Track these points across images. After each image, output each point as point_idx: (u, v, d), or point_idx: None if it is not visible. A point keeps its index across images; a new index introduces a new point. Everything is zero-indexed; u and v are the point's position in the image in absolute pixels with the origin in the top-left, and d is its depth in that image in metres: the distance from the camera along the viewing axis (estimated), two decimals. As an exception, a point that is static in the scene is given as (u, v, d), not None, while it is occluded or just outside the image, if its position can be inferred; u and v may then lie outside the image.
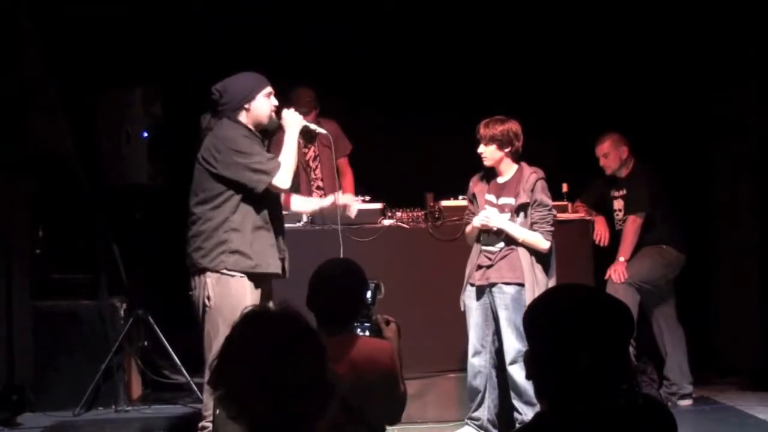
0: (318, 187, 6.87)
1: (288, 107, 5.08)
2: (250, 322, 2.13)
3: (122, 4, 7.00)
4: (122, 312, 6.64)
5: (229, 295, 4.74)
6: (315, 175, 6.88)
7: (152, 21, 7.11)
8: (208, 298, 4.78)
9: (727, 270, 7.21)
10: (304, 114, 6.61)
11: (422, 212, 6.21)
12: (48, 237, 6.88)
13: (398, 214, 6.20)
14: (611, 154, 6.40)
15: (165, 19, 7.17)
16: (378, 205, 6.23)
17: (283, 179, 4.85)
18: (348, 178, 6.95)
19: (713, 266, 7.29)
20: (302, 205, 5.69)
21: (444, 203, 6.11)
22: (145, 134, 6.46)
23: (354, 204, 5.91)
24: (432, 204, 6.18)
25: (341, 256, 5.23)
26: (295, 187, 5.54)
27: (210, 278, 4.80)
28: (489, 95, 7.04)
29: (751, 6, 6.90)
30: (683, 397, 6.36)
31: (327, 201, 5.63)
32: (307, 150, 6.80)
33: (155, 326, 6.47)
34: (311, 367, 2.08)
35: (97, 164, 6.59)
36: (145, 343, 6.72)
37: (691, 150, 7.35)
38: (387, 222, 6.14)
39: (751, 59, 6.99)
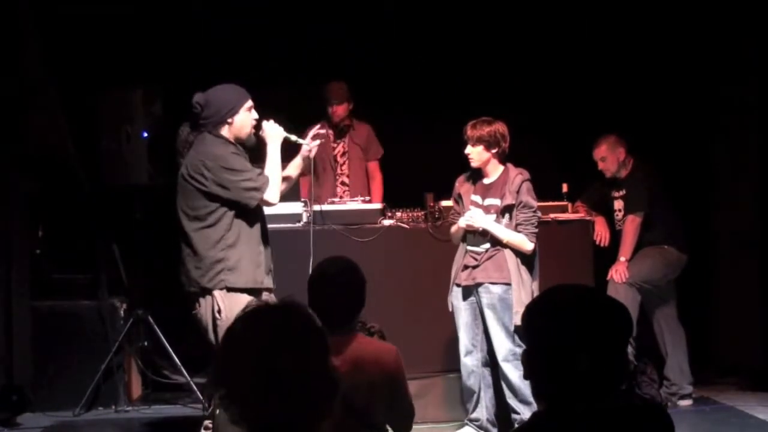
0: (343, 183, 6.89)
1: (268, 119, 4.96)
2: (250, 318, 2.08)
3: (122, 4, 7.00)
4: (122, 312, 6.64)
5: (238, 305, 4.66)
6: (341, 170, 6.90)
7: (152, 21, 7.11)
8: (219, 312, 4.73)
9: (727, 270, 7.21)
10: (336, 104, 6.70)
11: (422, 212, 6.21)
12: (48, 237, 6.87)
13: (398, 214, 6.20)
14: (609, 157, 6.39)
15: (165, 19, 7.16)
16: (378, 205, 6.23)
17: (272, 194, 4.82)
18: (377, 182, 6.96)
19: (713, 266, 7.28)
20: (293, 171, 5.18)
21: (444, 203, 6.10)
22: (145, 134, 6.45)
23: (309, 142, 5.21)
24: (432, 204, 6.18)
25: (312, 254, 5.23)
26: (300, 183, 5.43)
27: (217, 293, 4.76)
28: (489, 95, 7.04)
29: (751, 6, 6.90)
30: (683, 397, 6.36)
31: (308, 143, 5.15)
32: (336, 145, 6.82)
33: (155, 326, 6.47)
34: (314, 364, 2.02)
35: (97, 164, 6.58)
36: (145, 343, 6.72)
37: (691, 150, 7.34)
38: (387, 222, 6.14)
39: (751, 59, 6.99)
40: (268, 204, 4.86)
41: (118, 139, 6.42)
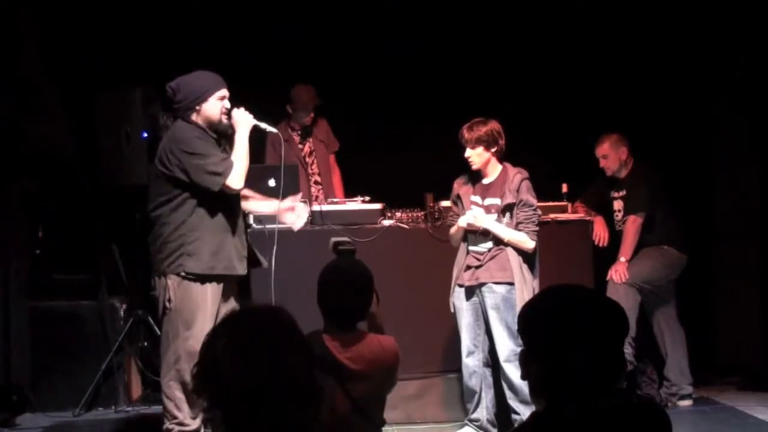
0: (316, 182, 6.90)
1: (239, 107, 4.90)
2: (230, 325, 2.02)
3: (122, 3, 6.99)
4: (122, 312, 6.65)
5: (189, 298, 4.72)
6: (312, 170, 6.92)
7: (151, 21, 7.10)
8: (169, 300, 4.74)
9: (727, 270, 7.21)
10: (312, 110, 6.73)
11: (422, 212, 6.21)
12: (48, 237, 6.87)
13: (398, 214, 6.20)
14: (611, 155, 6.39)
15: (164, 19, 7.16)
16: (378, 205, 6.23)
17: (235, 179, 4.75)
18: (337, 176, 6.98)
19: (713, 266, 7.28)
20: (256, 206, 5.25)
21: (444, 203, 6.10)
22: (145, 134, 6.45)
23: (298, 217, 5.27)
24: (432, 204, 6.18)
25: (273, 256, 5.16)
26: (287, 186, 5.40)
27: (171, 280, 4.75)
28: (489, 96, 7.04)
29: (750, 6, 6.90)
30: (683, 397, 6.36)
31: (281, 204, 5.15)
32: (302, 146, 6.83)
33: (155, 326, 6.47)
34: (296, 371, 1.96)
35: (97, 164, 6.59)
36: (145, 343, 6.72)
37: (691, 150, 7.34)
38: (387, 222, 6.14)
39: (750, 59, 6.98)
40: (232, 190, 4.78)
41: (118, 139, 6.42)
